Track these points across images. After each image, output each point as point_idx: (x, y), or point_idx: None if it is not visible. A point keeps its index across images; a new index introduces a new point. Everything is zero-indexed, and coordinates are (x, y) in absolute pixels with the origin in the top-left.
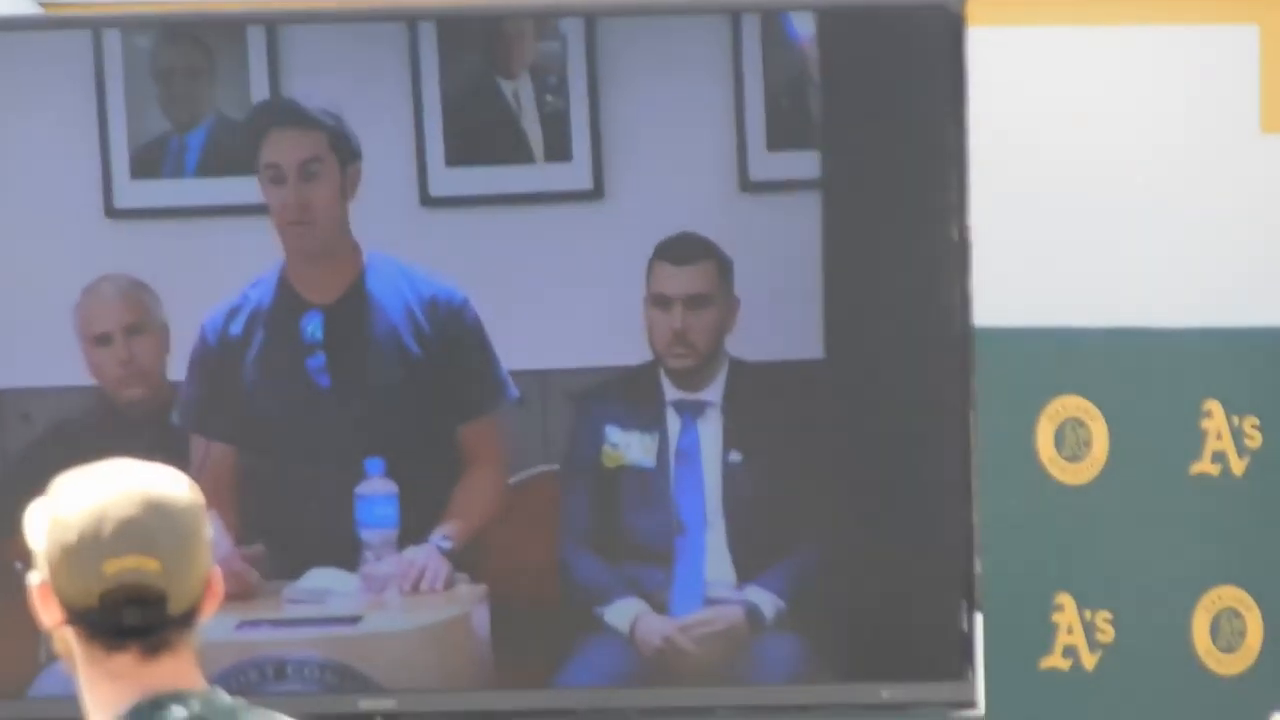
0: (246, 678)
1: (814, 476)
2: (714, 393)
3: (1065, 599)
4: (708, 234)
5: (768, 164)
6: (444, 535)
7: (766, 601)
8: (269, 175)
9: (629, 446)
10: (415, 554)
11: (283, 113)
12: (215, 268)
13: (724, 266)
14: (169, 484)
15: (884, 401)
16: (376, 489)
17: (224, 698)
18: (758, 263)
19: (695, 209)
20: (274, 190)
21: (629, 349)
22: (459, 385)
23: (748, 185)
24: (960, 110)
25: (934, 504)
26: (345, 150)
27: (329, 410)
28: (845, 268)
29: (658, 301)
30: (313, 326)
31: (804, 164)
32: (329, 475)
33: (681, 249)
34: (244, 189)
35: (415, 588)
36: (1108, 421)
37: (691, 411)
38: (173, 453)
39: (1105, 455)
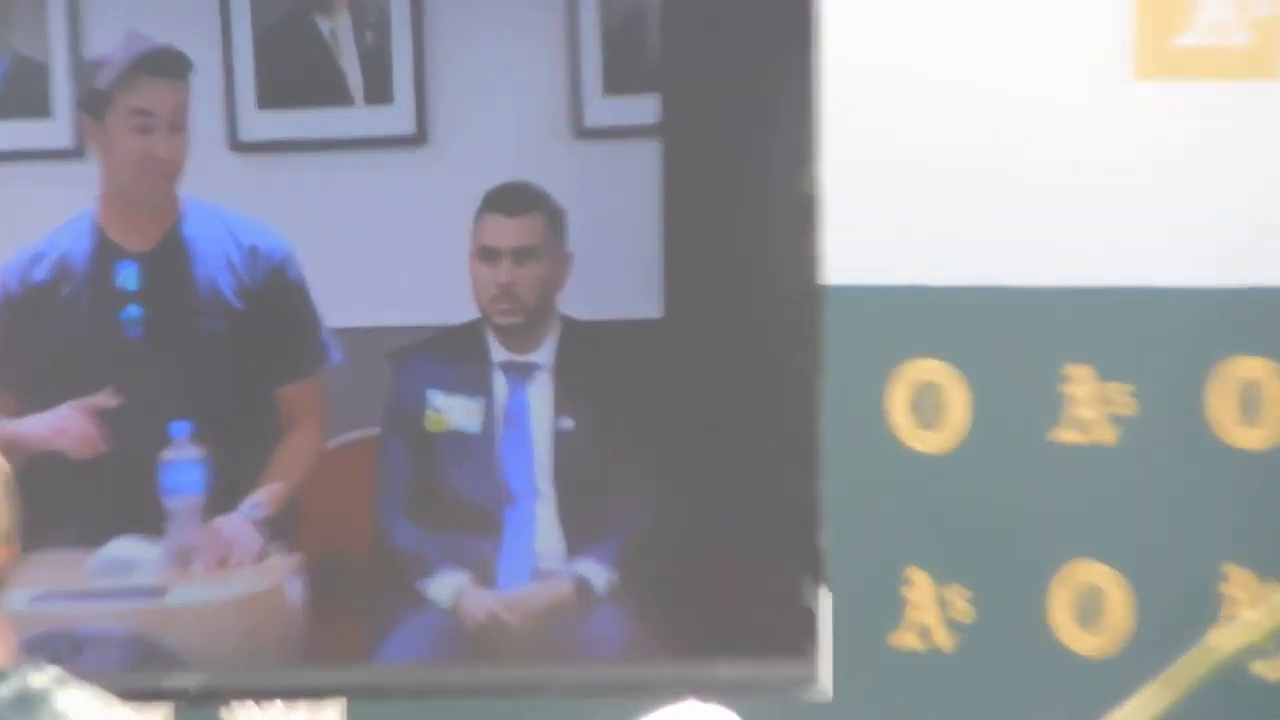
0: (45, 652)
1: (651, 444)
2: (544, 354)
3: (917, 574)
4: (539, 183)
5: (603, 109)
6: (255, 503)
7: (597, 574)
8: (140, 122)
9: (453, 410)
10: (223, 524)
11: (163, 59)
12: (10, 217)
13: (556, 218)
14: None
15: (726, 364)
16: (183, 454)
17: (34, 678)
18: (593, 215)
19: (526, 157)
20: (142, 139)
21: (454, 306)
22: (279, 344)
23: (582, 131)
24: (809, 50)
25: (778, 473)
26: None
27: (139, 367)
28: (686, 221)
29: (484, 254)
30: (127, 274)
31: (642, 109)
32: (136, 437)
33: (510, 199)
34: (41, 132)
35: (224, 559)
36: (967, 386)
37: (520, 374)
38: None
39: (964, 423)
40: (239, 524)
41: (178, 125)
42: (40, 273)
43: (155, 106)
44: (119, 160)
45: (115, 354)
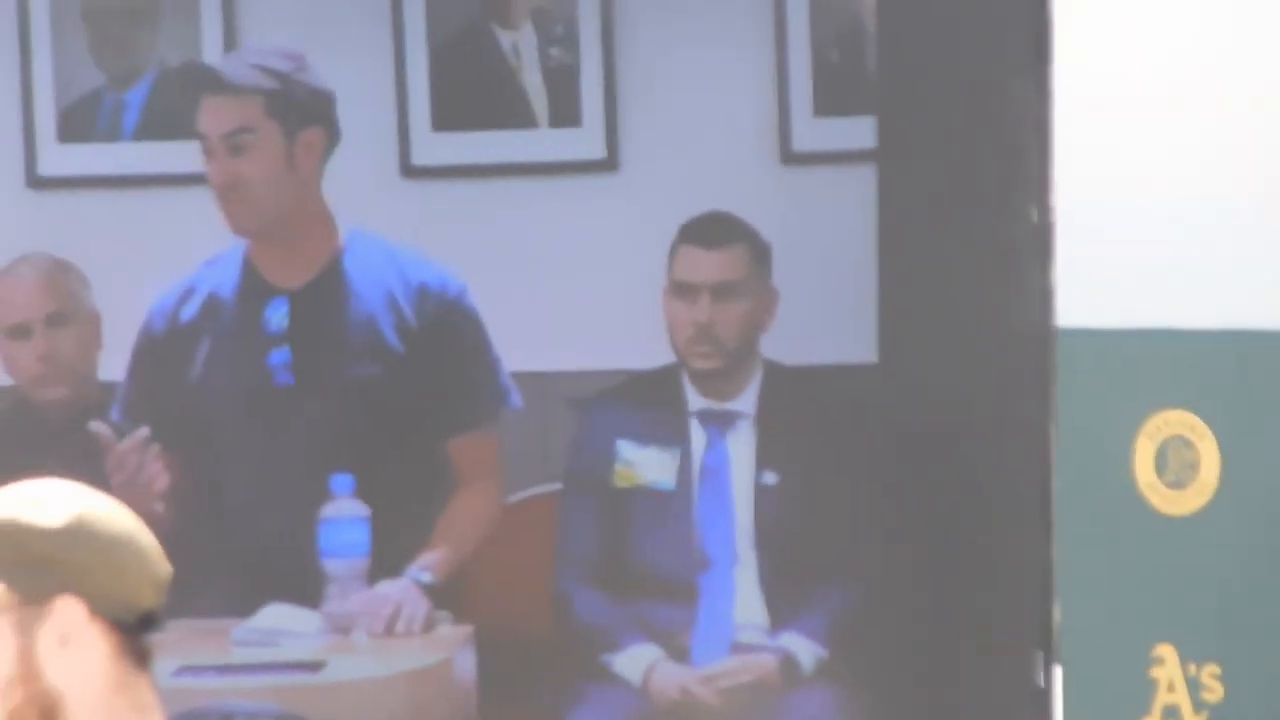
0: None
1: (863, 502)
2: (746, 402)
3: (1166, 650)
4: (741, 213)
5: (814, 131)
6: (423, 567)
7: (805, 649)
8: (203, 148)
9: (645, 463)
10: (389, 589)
11: (206, 78)
12: (160, 247)
13: (760, 251)
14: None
15: (948, 415)
16: (344, 511)
17: None
18: (801, 248)
19: (727, 184)
20: (208, 164)
21: (647, 349)
22: (451, 390)
23: (790, 156)
24: (1043, 69)
25: (1006, 536)
26: (293, 113)
27: (292, 415)
28: (904, 255)
29: (680, 290)
30: (278, 315)
31: (857, 132)
32: (289, 493)
33: (709, 230)
34: (193, 154)
35: (388, 629)
36: (1219, 441)
37: (719, 424)
38: (101, 463)
39: (1215, 481)
40: (406, 590)
41: (236, 147)
42: (189, 310)
43: (207, 129)
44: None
45: (264, 400)
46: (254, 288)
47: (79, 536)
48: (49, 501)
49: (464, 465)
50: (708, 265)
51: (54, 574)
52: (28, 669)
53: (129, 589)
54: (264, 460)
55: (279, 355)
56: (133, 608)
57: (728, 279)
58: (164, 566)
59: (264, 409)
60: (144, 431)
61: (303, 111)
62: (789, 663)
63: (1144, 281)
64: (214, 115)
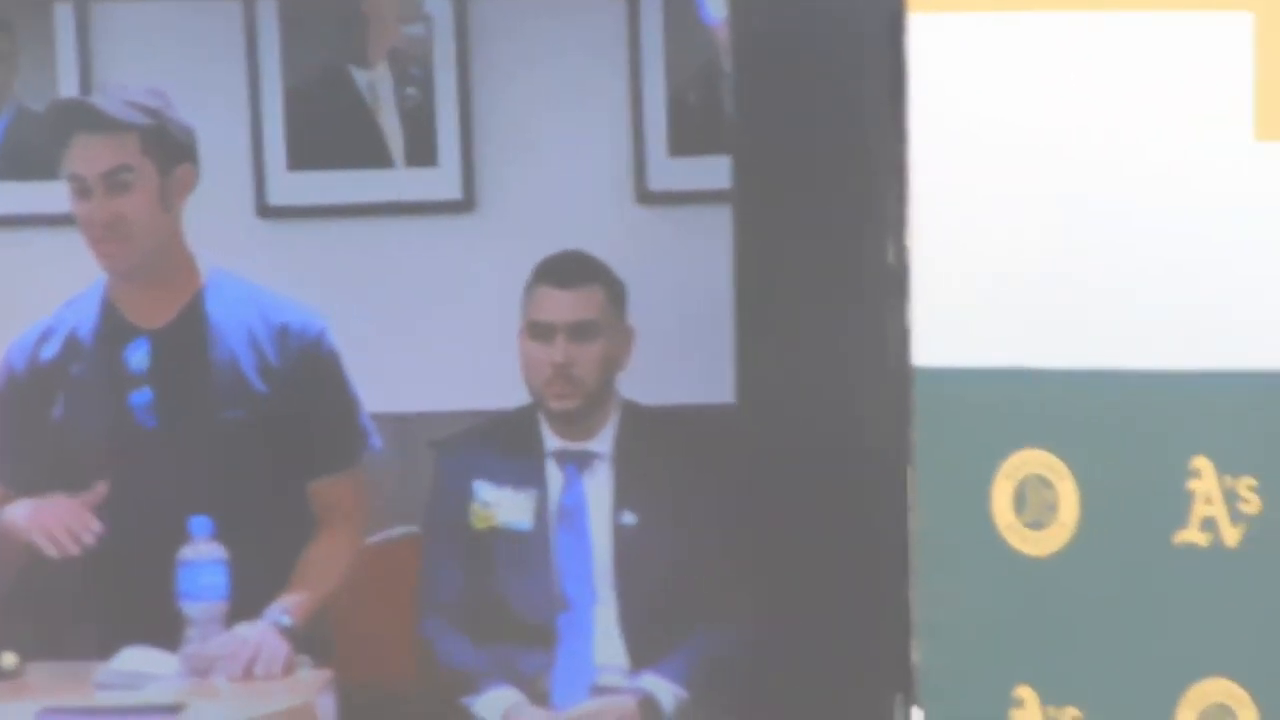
0: None
1: (722, 543)
2: (603, 442)
3: (1026, 692)
4: (598, 253)
5: (670, 171)
6: (283, 609)
7: (665, 690)
8: (74, 187)
9: (502, 505)
10: (247, 632)
11: (83, 115)
12: (18, 287)
13: (615, 290)
14: None
15: (807, 455)
16: (202, 553)
17: None
18: (658, 288)
19: (584, 224)
20: (80, 204)
21: (503, 389)
22: (312, 432)
23: (646, 196)
24: (900, 110)
25: (865, 578)
26: (167, 151)
27: (154, 456)
28: (761, 295)
29: (536, 331)
30: (138, 355)
31: (713, 171)
32: (149, 535)
33: (564, 269)
34: (51, 194)
35: (247, 672)
36: (1077, 481)
37: (577, 463)
38: None
39: (1075, 521)
40: (265, 633)
41: (117, 186)
42: (48, 350)
43: (83, 168)
44: (82, 231)
45: (126, 442)
46: (115, 327)
47: None
48: None
49: (324, 507)
50: (563, 305)
51: None
52: None
53: None
54: (124, 502)
55: (140, 396)
56: None
57: (583, 318)
58: None
59: (125, 450)
60: (101, 491)
61: (175, 149)
62: (649, 704)
63: (1001, 321)
64: (91, 153)
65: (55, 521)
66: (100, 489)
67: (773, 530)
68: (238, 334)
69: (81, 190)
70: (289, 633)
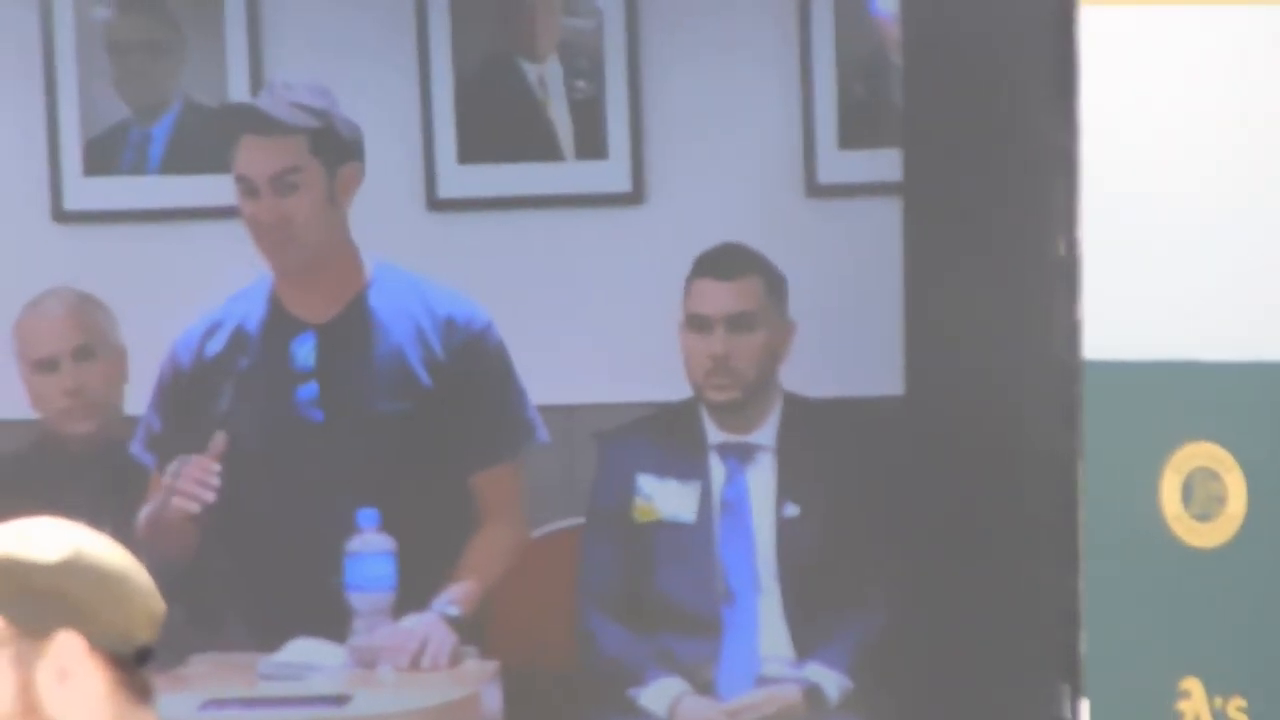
0: None
1: (886, 534)
2: (766, 434)
3: (1192, 684)
4: (767, 245)
5: (839, 164)
6: (450, 600)
7: (830, 680)
8: (241, 188)
9: (665, 497)
10: (415, 623)
11: (250, 118)
12: (185, 280)
13: (775, 283)
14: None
15: (974, 448)
16: (370, 545)
17: None
18: (825, 280)
19: (751, 215)
20: (248, 204)
21: (667, 382)
22: (477, 424)
23: (815, 189)
24: (1070, 102)
25: (1032, 569)
26: (334, 151)
27: (320, 449)
28: (930, 287)
29: (695, 323)
30: (304, 350)
31: (882, 164)
32: (316, 527)
33: (722, 261)
34: (218, 188)
35: (414, 663)
36: (1245, 473)
37: (738, 456)
38: (127, 497)
39: (1242, 513)
40: (432, 624)
41: (285, 187)
42: (214, 345)
43: (251, 170)
44: (249, 229)
45: (291, 435)
46: (280, 322)
47: (76, 570)
48: (45, 537)
49: (489, 499)
50: (721, 297)
51: (52, 608)
52: (27, 703)
53: (126, 623)
54: (291, 494)
55: (306, 390)
56: (130, 641)
57: (742, 310)
58: (159, 601)
59: (291, 444)
60: (221, 441)
61: (342, 148)
62: (814, 694)
63: (1171, 313)
64: (259, 155)
65: (179, 478)
66: (220, 440)
67: (940, 522)
68: (403, 327)
69: (249, 191)
70: (455, 623)
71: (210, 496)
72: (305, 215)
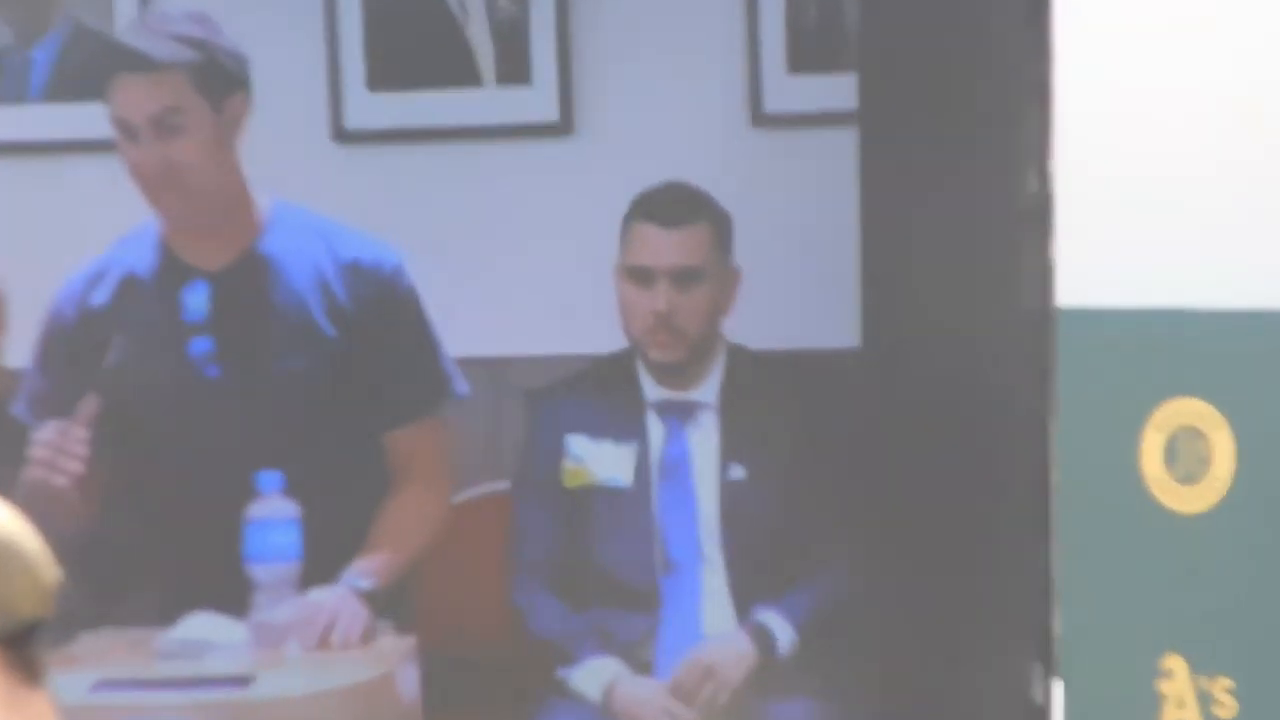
0: None
1: (841, 497)
2: (708, 391)
3: (1175, 662)
4: (708, 181)
5: (789, 90)
6: (362, 572)
7: (781, 627)
8: (120, 132)
9: (598, 460)
10: (323, 597)
11: (124, 56)
12: (71, 220)
13: (723, 229)
14: None
15: (936, 405)
16: (273, 511)
17: None
18: (774, 220)
19: (692, 149)
20: (129, 148)
21: (599, 333)
22: (388, 377)
23: (762, 118)
24: (1043, 22)
25: (1001, 537)
26: (220, 83)
27: (216, 407)
28: (889, 228)
29: (636, 275)
30: (197, 300)
31: (836, 91)
32: (213, 492)
33: (667, 205)
34: (104, 118)
35: (323, 641)
36: (1234, 432)
37: (679, 415)
38: (9, 459)
39: (1230, 475)
40: (342, 597)
41: (167, 130)
42: (100, 295)
43: (128, 112)
44: (132, 175)
45: (185, 393)
46: (171, 270)
47: None
48: None
49: (405, 460)
50: (666, 248)
51: None
52: None
53: (12, 595)
54: (186, 457)
55: (200, 344)
56: (15, 616)
57: (689, 264)
58: (51, 571)
59: (185, 401)
60: (91, 406)
61: (227, 80)
62: (761, 635)
63: (1153, 258)
64: (136, 96)
65: (42, 448)
66: (90, 404)
67: (899, 487)
68: (304, 273)
69: (128, 135)
70: (369, 597)
71: (77, 466)
72: (192, 159)
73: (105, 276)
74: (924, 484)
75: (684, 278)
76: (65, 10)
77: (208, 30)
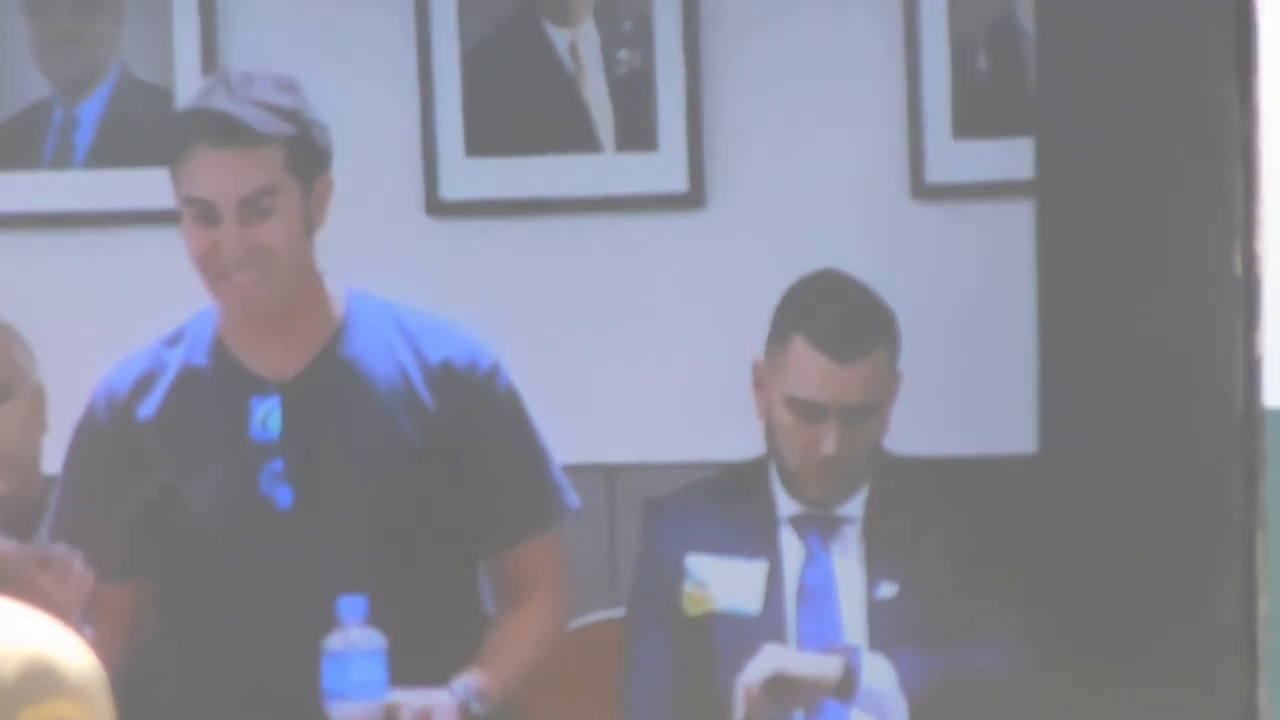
0: None
1: (1010, 622)
2: (853, 504)
3: None
4: (862, 260)
5: (954, 158)
6: (470, 686)
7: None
8: (194, 213)
9: (721, 584)
10: (423, 697)
11: (212, 124)
12: (118, 302)
13: (896, 344)
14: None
15: (1125, 519)
16: (355, 642)
17: None
18: (935, 305)
19: (843, 224)
20: (203, 233)
21: (728, 437)
22: (488, 494)
23: (923, 189)
24: (1248, 82)
25: (1201, 667)
26: (310, 163)
27: (288, 534)
28: (1069, 314)
29: (800, 409)
30: (267, 415)
31: (1008, 158)
32: (283, 626)
33: (842, 333)
34: (159, 185)
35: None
36: None
37: (821, 532)
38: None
39: None
40: (445, 702)
41: (258, 212)
42: (146, 407)
43: (213, 192)
44: (192, 258)
45: (255, 519)
46: (233, 379)
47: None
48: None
49: (514, 582)
50: (841, 386)
51: None
52: None
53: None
54: (255, 587)
55: (272, 466)
56: None
57: (865, 402)
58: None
59: (254, 530)
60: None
61: (318, 158)
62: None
63: None
64: (226, 173)
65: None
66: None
67: (1083, 614)
68: (388, 378)
69: (206, 217)
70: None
71: (78, 596)
72: (281, 244)
73: (153, 385)
74: (1110, 612)
75: (858, 415)
76: (115, 55)
77: (298, 100)
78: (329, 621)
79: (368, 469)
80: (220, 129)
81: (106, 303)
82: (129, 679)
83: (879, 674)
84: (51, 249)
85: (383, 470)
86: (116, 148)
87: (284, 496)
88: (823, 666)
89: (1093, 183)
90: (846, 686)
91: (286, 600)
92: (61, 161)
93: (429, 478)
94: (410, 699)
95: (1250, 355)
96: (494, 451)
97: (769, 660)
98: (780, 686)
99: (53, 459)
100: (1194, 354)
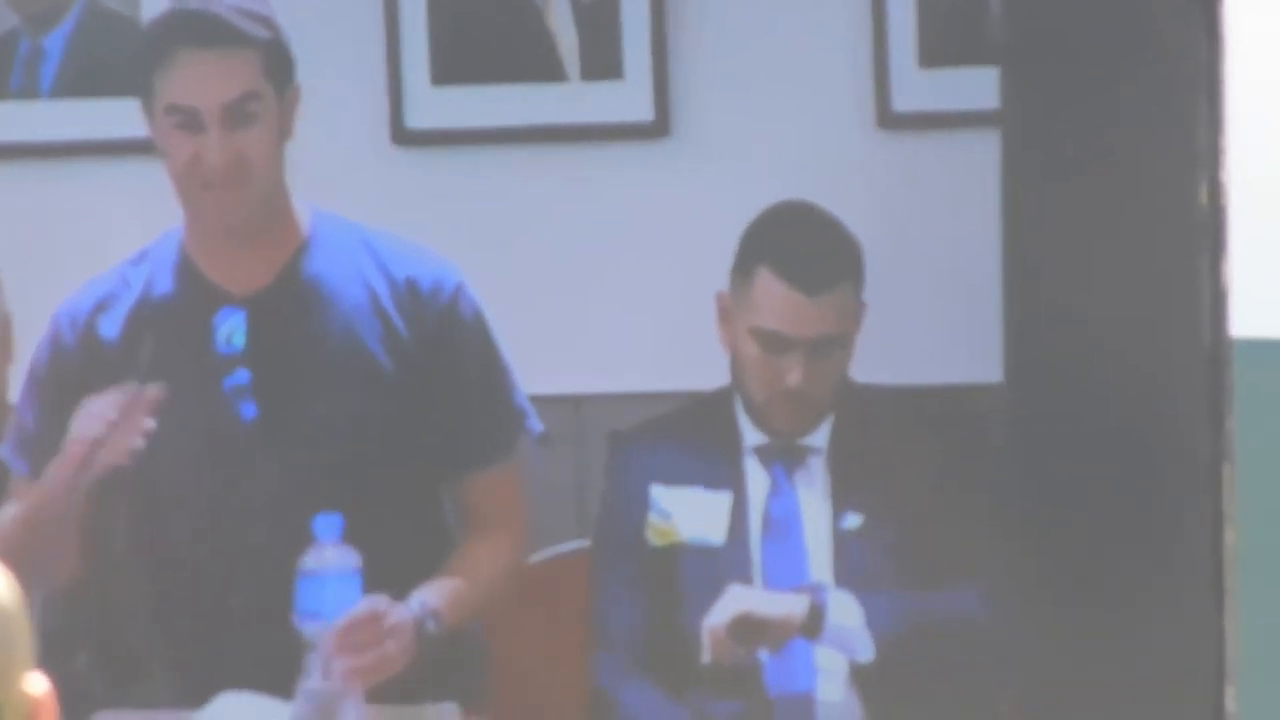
0: None
1: (977, 553)
2: (819, 435)
3: None
4: (827, 192)
5: (920, 87)
6: (426, 604)
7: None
8: (176, 121)
9: (685, 514)
10: (379, 603)
11: (198, 27)
12: (84, 232)
13: (861, 276)
14: None
15: (1093, 450)
16: (330, 561)
17: None
18: (900, 235)
19: (809, 154)
20: (186, 141)
21: (695, 367)
22: (452, 417)
23: (889, 118)
24: (1212, 12)
25: (1166, 604)
26: (285, 67)
27: (254, 450)
28: (1035, 245)
29: (766, 340)
30: (232, 329)
31: (975, 86)
32: (251, 546)
33: (809, 268)
34: (124, 115)
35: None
36: None
37: (785, 462)
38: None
39: None
40: (402, 619)
41: (241, 118)
42: (109, 325)
43: (197, 98)
44: (171, 169)
45: (219, 436)
46: (198, 294)
47: None
48: None
49: (473, 510)
50: (808, 318)
51: None
52: None
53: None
54: (219, 507)
55: (236, 379)
56: None
57: (832, 333)
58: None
59: (219, 446)
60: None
61: (289, 64)
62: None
63: None
64: (209, 77)
65: (93, 422)
66: (155, 391)
67: (1047, 545)
68: (354, 293)
69: (191, 124)
70: (430, 641)
71: (134, 447)
72: (260, 152)
73: (116, 300)
74: (1075, 544)
75: (824, 347)
76: None
77: (268, 7)
78: (296, 538)
79: (333, 385)
80: (204, 28)
81: (73, 233)
82: (99, 597)
83: (846, 611)
84: (17, 179)
85: (348, 387)
86: (83, 78)
87: (248, 410)
88: (788, 606)
89: (1058, 113)
90: (813, 624)
91: (252, 517)
92: (28, 92)
93: (394, 397)
94: (364, 611)
95: (1216, 286)
96: (458, 373)
97: (734, 601)
98: (746, 627)
99: (16, 388)
100: (1160, 285)
